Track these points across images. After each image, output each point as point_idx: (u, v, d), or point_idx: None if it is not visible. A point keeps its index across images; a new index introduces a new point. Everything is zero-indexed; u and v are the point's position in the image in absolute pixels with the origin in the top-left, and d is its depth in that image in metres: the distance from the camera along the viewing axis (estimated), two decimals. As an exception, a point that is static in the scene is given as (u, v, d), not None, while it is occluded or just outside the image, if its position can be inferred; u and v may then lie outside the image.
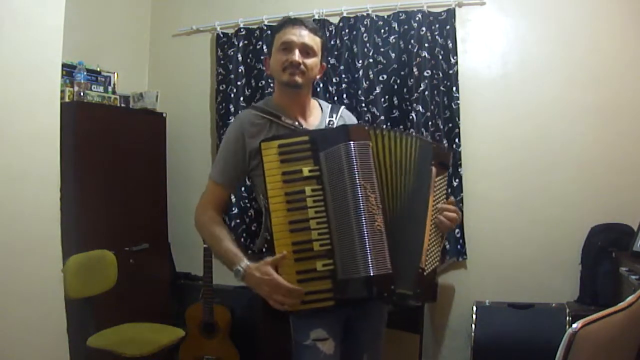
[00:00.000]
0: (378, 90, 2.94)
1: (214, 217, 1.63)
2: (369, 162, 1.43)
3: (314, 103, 1.75)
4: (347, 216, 1.40)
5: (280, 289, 1.41)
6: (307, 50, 1.59)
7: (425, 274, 1.46)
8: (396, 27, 2.96)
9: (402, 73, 2.96)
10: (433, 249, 1.51)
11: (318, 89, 2.98)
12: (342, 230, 1.41)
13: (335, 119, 1.70)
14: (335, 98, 3.03)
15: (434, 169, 1.52)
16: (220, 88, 3.34)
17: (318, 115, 1.72)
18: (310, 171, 1.45)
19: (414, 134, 1.64)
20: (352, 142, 1.43)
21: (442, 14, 2.91)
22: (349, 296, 1.41)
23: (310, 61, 1.60)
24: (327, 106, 1.76)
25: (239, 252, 1.54)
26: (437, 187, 1.53)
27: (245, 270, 1.48)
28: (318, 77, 1.70)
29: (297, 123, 1.63)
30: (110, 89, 3.20)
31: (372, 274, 1.37)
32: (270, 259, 1.44)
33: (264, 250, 1.55)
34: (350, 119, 1.81)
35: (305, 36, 1.59)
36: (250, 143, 1.58)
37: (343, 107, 1.81)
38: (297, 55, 1.57)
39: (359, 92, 2.98)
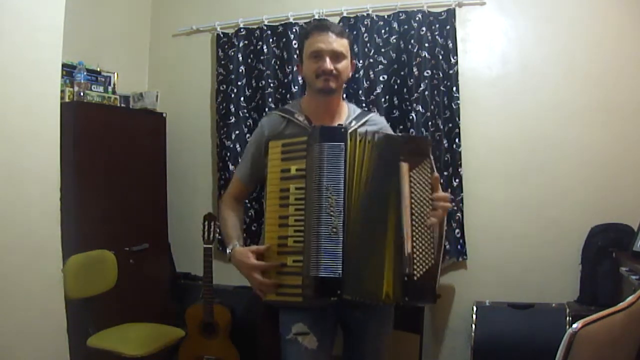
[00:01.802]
0: (379, 90, 2.94)
1: (230, 203, 1.81)
2: (337, 164, 1.46)
3: (343, 107, 1.78)
4: (311, 216, 1.46)
5: (252, 272, 1.53)
6: (337, 55, 1.65)
7: (415, 278, 1.41)
8: (396, 27, 2.96)
9: (402, 73, 2.96)
10: (421, 249, 1.44)
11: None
12: (309, 230, 1.46)
13: (355, 125, 1.70)
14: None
15: (404, 165, 1.47)
16: (221, 88, 3.34)
17: (342, 120, 1.74)
18: (297, 170, 1.51)
19: (381, 133, 1.60)
20: (324, 144, 1.47)
21: (442, 14, 2.91)
22: (307, 294, 1.45)
23: (341, 65, 1.66)
24: (355, 112, 1.78)
25: (234, 236, 1.69)
26: (416, 179, 1.47)
27: (231, 252, 1.64)
28: (350, 74, 1.75)
29: (306, 121, 1.68)
30: (110, 89, 3.20)
31: (320, 276, 1.41)
32: (255, 247, 1.56)
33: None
34: (377, 125, 1.76)
35: (333, 42, 1.64)
36: (267, 142, 1.67)
37: (373, 113, 1.82)
38: (328, 63, 1.63)
39: (360, 92, 2.98)
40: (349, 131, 1.53)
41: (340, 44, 1.65)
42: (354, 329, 1.71)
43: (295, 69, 3.06)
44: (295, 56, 3.04)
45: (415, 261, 1.43)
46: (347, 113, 1.76)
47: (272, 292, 1.52)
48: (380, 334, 1.74)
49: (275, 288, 1.51)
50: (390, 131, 1.81)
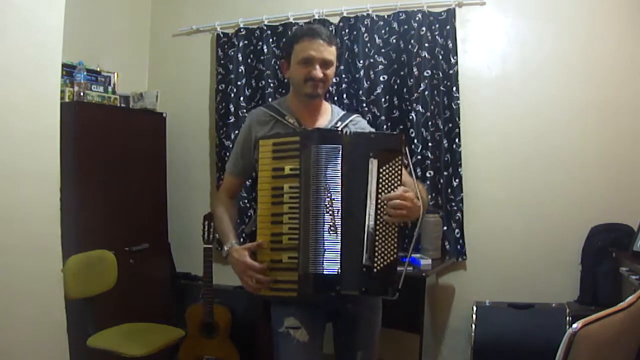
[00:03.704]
0: (379, 90, 2.94)
1: (224, 200, 1.84)
2: (335, 165, 1.52)
3: (327, 108, 1.83)
4: (309, 214, 1.51)
5: (248, 270, 1.57)
6: (326, 63, 1.70)
7: (375, 270, 1.49)
8: (396, 27, 2.96)
9: (402, 73, 2.96)
10: (384, 244, 1.51)
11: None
12: (305, 228, 1.51)
13: (340, 126, 1.75)
14: (336, 98, 3.03)
15: (374, 161, 1.52)
16: (220, 88, 3.35)
17: (327, 120, 1.78)
18: (291, 169, 1.56)
19: (354, 130, 1.70)
20: (322, 145, 1.52)
21: (442, 14, 2.90)
22: (302, 291, 1.51)
23: (329, 72, 1.72)
24: (339, 114, 1.83)
25: (230, 234, 1.73)
26: (385, 176, 1.52)
27: (229, 250, 1.67)
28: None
29: (297, 123, 1.72)
30: (110, 89, 3.20)
31: (319, 273, 1.49)
32: (249, 245, 1.61)
33: (250, 234, 1.69)
34: (360, 127, 1.81)
35: (323, 51, 1.68)
36: (255, 136, 1.72)
37: (356, 115, 1.86)
38: (318, 71, 1.68)
39: (360, 92, 2.98)
40: (344, 132, 1.59)
41: (330, 52, 1.70)
42: (345, 321, 1.73)
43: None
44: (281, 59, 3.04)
45: (376, 254, 1.50)
46: (330, 114, 1.81)
47: (265, 288, 1.57)
48: (371, 323, 1.76)
49: (268, 285, 1.56)
50: None
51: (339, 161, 1.52)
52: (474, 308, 2.69)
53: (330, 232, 1.50)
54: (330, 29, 3.05)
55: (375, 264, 1.50)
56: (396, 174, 1.53)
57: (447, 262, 2.86)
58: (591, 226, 2.67)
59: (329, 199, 1.51)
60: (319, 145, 1.52)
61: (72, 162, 2.59)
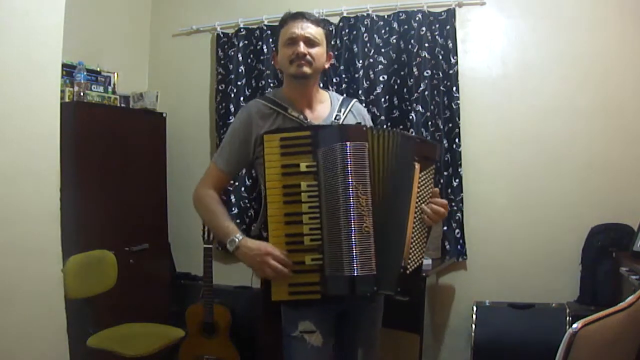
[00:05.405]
0: (379, 90, 2.94)
1: (214, 195, 1.69)
2: (363, 163, 1.47)
3: (323, 95, 1.77)
4: (337, 215, 1.45)
5: (268, 257, 1.47)
6: (311, 41, 1.64)
7: (408, 272, 1.50)
8: (396, 27, 2.96)
9: (402, 73, 2.96)
10: (416, 246, 1.53)
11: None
12: (332, 228, 1.46)
13: (343, 113, 1.71)
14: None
15: (417, 165, 1.52)
16: (220, 88, 3.35)
17: (327, 108, 1.73)
18: (307, 167, 1.49)
19: (398, 130, 1.65)
20: (348, 143, 1.46)
21: (442, 14, 2.91)
22: (334, 292, 1.47)
23: (315, 51, 1.64)
24: (338, 99, 1.77)
25: (234, 227, 1.60)
26: (422, 182, 1.54)
27: (240, 241, 1.55)
28: (327, 66, 1.73)
29: (302, 116, 1.66)
30: (110, 89, 3.20)
31: (356, 274, 1.43)
32: (270, 245, 1.50)
33: (259, 234, 1.61)
34: (360, 113, 1.79)
35: (307, 28, 1.63)
36: (257, 132, 1.62)
37: (355, 100, 1.81)
38: (302, 47, 1.61)
39: (360, 92, 2.98)
40: (368, 128, 1.55)
41: (315, 31, 1.65)
42: (350, 319, 1.70)
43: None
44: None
45: (410, 256, 1.50)
46: (329, 101, 1.75)
47: (285, 275, 1.49)
48: (374, 322, 1.75)
49: (288, 275, 1.49)
50: (369, 121, 1.83)
51: (366, 159, 1.47)
52: (474, 308, 2.69)
53: (364, 232, 1.44)
54: (331, 28, 3.05)
55: (409, 265, 1.50)
56: (430, 182, 1.56)
57: (447, 262, 2.86)
58: (591, 226, 2.68)
59: (359, 198, 1.44)
60: (343, 143, 1.45)
61: (72, 162, 2.58)
